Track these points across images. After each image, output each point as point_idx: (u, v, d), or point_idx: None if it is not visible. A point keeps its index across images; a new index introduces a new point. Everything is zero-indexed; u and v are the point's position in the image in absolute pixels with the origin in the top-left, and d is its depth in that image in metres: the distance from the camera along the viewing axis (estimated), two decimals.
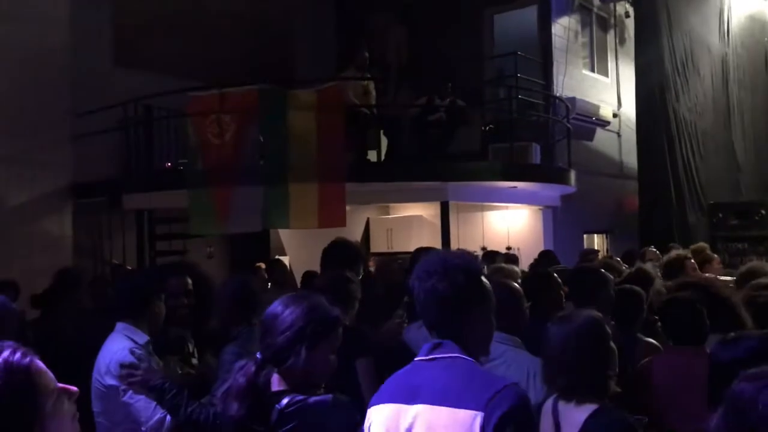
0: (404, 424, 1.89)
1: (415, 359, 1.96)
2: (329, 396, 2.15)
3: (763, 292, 3.49)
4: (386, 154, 9.81)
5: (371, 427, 1.97)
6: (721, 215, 10.48)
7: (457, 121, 9.39)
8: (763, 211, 10.04)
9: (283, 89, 8.14)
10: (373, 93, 9.16)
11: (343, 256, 4.15)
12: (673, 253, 6.11)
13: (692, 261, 5.90)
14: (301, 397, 2.10)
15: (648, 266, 7.42)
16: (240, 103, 7.90)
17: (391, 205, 11.08)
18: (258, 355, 2.19)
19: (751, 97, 13.42)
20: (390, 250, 10.46)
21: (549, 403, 2.41)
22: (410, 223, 10.81)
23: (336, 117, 7.82)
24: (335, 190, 7.55)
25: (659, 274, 6.95)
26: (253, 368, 2.14)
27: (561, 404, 2.35)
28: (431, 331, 1.96)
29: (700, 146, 12.23)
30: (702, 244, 7.79)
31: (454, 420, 1.79)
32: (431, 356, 1.91)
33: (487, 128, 10.48)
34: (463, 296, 1.92)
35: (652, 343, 3.66)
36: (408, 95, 10.44)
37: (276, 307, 2.24)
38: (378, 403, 1.98)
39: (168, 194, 8.60)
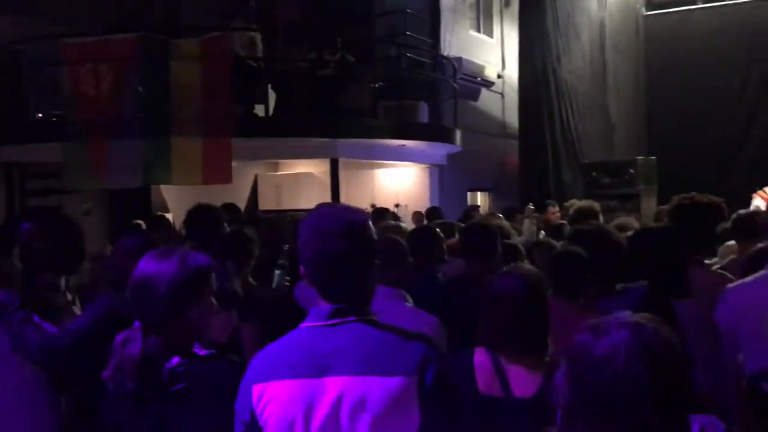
0: (323, 401, 1.73)
1: (310, 326, 1.80)
2: (222, 355, 2.07)
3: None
4: (275, 109, 9.64)
5: (267, 407, 1.76)
6: (594, 174, 11.06)
7: (347, 77, 9.35)
8: (632, 170, 10.67)
9: (165, 38, 7.79)
10: (260, 45, 8.93)
11: (205, 220, 3.96)
12: (584, 202, 6.33)
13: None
14: (190, 358, 2.02)
15: (526, 223, 7.81)
16: (118, 52, 7.50)
17: (280, 161, 10.94)
18: (136, 324, 2.06)
19: (624, 61, 14.15)
20: (279, 208, 10.36)
21: (484, 356, 2.36)
22: (299, 180, 10.71)
23: (221, 69, 7.58)
24: (221, 145, 7.37)
25: (535, 229, 7.33)
26: (140, 338, 2.02)
27: (504, 360, 2.33)
28: (328, 294, 1.81)
29: (579, 108, 12.80)
30: (574, 200, 8.23)
31: (387, 388, 1.70)
32: (334, 321, 1.77)
33: (377, 86, 10.50)
34: (364, 256, 1.83)
35: None
36: (297, 49, 10.26)
37: (145, 267, 2.09)
38: (274, 379, 1.77)
39: (41, 147, 8.11)
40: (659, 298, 2.06)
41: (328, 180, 9.29)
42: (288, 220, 6.41)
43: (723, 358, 2.82)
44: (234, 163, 7.68)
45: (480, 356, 2.39)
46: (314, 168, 10.56)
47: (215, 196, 6.38)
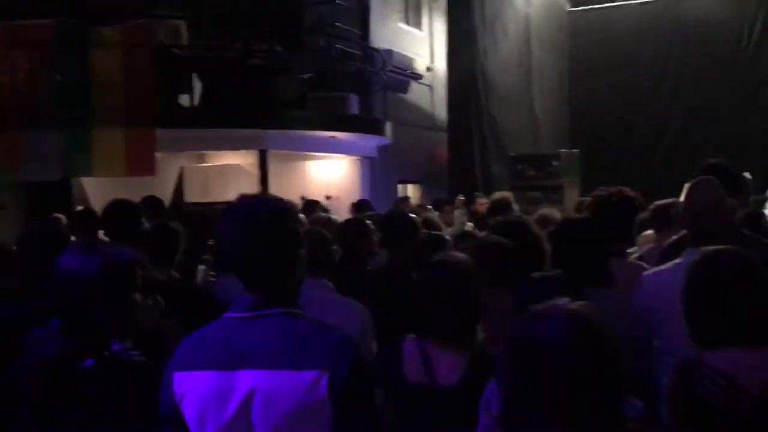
0: (235, 394, 1.70)
1: (231, 316, 1.78)
2: (136, 356, 2.00)
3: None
4: (201, 99, 9.44)
5: (186, 397, 1.73)
6: (520, 166, 11.31)
7: (275, 67, 9.24)
8: (556, 163, 10.96)
9: (85, 25, 7.51)
10: (185, 34, 8.72)
11: (122, 215, 3.86)
12: (498, 194, 6.48)
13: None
14: (106, 358, 1.95)
15: (456, 214, 7.93)
16: (33, 38, 7.18)
17: (207, 153, 10.72)
18: (54, 322, 1.98)
19: (549, 56, 14.48)
20: (206, 200, 10.16)
21: (413, 344, 2.39)
22: (227, 172, 10.51)
23: (144, 57, 7.37)
24: (144, 136, 7.17)
25: (465, 220, 7.46)
26: (57, 338, 1.93)
27: (432, 348, 2.34)
28: (249, 286, 1.78)
29: (505, 101, 13.03)
30: (502, 192, 8.40)
31: (298, 383, 1.68)
32: (254, 314, 1.75)
33: (307, 76, 10.42)
34: (285, 247, 1.79)
35: None
36: (224, 38, 10.07)
37: (68, 261, 2.02)
38: (193, 369, 1.74)
39: None
40: (575, 286, 2.12)
41: (256, 172, 9.17)
42: (215, 213, 6.29)
43: (640, 343, 2.93)
44: (158, 155, 7.48)
45: (409, 344, 2.42)
46: (242, 159, 10.39)
47: (139, 188, 6.20)
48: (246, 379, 1.70)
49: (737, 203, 3.72)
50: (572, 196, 10.67)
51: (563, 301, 1.39)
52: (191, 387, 1.73)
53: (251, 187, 8.98)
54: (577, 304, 1.38)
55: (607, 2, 14.90)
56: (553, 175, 10.91)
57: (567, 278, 2.31)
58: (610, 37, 14.18)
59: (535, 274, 2.54)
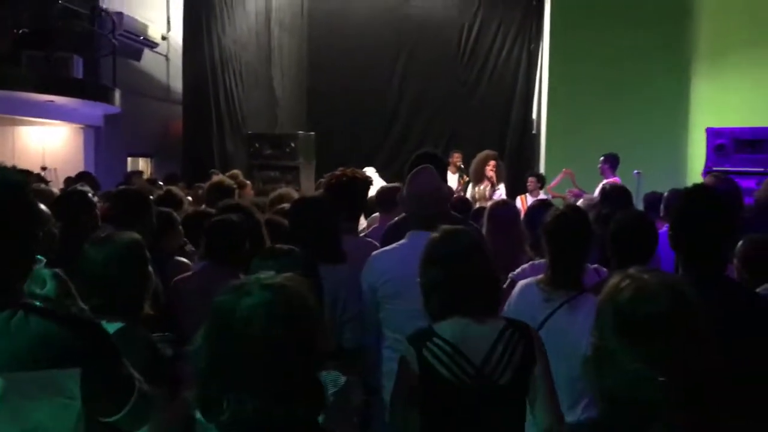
0: None
1: None
2: None
3: (284, 218, 3.86)
4: None
5: None
6: (257, 145, 11.25)
7: None
8: (293, 144, 11.11)
9: None
10: None
11: None
12: (216, 178, 6.37)
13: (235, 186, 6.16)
14: None
15: (189, 190, 7.67)
16: None
17: None
18: None
19: (290, 38, 14.58)
20: None
21: None
22: None
23: None
24: None
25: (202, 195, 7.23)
26: None
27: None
28: None
29: (243, 79, 12.87)
30: (236, 171, 8.34)
31: (47, 384, 1.51)
32: None
33: (21, 32, 9.31)
34: (26, 226, 1.60)
35: (183, 262, 3.82)
36: None
37: None
38: None
39: None
40: (308, 261, 2.18)
41: None
42: None
43: (367, 318, 3.10)
44: None
45: None
46: None
47: None
48: None
49: (451, 189, 4.10)
50: (308, 177, 10.93)
51: (269, 274, 1.40)
52: None
53: None
54: (284, 278, 1.39)
55: None
56: (291, 155, 11.04)
57: (301, 254, 2.35)
58: (348, 24, 14.64)
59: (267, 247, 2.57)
